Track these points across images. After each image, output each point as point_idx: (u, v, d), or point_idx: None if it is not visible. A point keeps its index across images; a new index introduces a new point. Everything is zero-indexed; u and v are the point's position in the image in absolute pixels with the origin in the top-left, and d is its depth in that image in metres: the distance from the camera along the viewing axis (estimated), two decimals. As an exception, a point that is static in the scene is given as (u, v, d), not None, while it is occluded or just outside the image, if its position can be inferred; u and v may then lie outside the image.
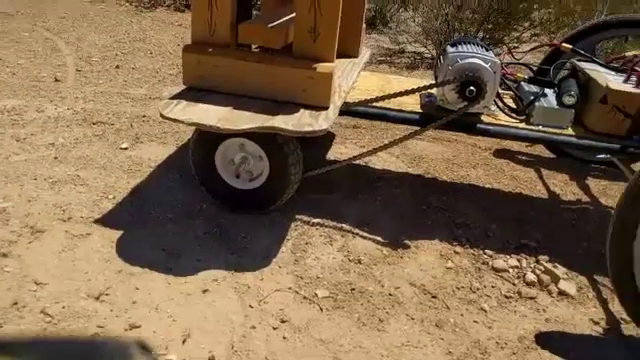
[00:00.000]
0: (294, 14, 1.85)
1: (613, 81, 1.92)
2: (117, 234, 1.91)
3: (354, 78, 2.29)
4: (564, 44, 2.23)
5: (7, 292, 1.60)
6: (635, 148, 1.87)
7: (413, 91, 1.97)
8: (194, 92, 1.90)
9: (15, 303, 1.56)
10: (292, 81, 1.83)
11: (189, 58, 1.88)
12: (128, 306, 1.61)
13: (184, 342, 1.50)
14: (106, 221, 1.97)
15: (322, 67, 1.82)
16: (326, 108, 1.87)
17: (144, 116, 2.87)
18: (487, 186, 2.53)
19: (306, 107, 1.86)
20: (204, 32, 1.87)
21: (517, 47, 4.39)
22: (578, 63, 2.15)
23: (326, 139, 2.80)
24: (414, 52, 4.91)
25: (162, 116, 1.71)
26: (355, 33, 2.52)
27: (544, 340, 1.65)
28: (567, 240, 2.16)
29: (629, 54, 2.09)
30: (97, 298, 1.62)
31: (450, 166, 2.69)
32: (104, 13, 5.18)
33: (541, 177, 2.67)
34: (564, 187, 2.59)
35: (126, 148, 2.52)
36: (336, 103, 1.94)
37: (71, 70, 3.54)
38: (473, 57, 1.90)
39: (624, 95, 1.85)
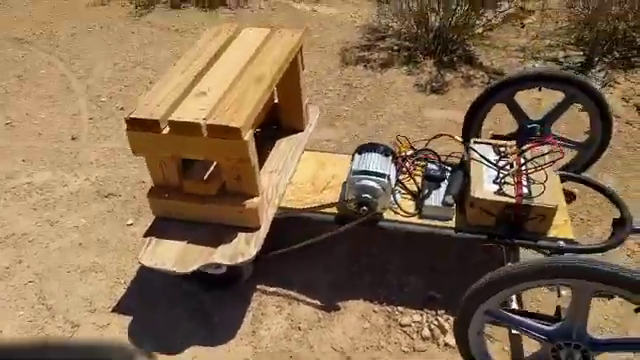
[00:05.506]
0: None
1: (481, 186, 2.36)
2: (128, 320, 2.69)
3: (294, 166, 2.82)
4: (456, 136, 2.61)
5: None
6: (499, 237, 2.37)
7: (329, 205, 2.51)
8: (162, 222, 2.54)
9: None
10: (229, 215, 2.43)
11: (152, 199, 2.50)
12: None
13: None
14: (120, 309, 2.75)
15: (249, 203, 2.39)
16: (259, 228, 2.47)
17: (143, 182, 3.51)
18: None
19: (243, 229, 2.46)
20: (160, 181, 2.45)
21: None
22: (467, 152, 2.54)
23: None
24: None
25: (140, 263, 2.38)
26: (297, 109, 2.97)
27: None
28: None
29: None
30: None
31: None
32: (108, 24, 5.61)
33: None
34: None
35: (131, 224, 3.21)
36: (269, 217, 2.52)
37: (85, 120, 4.18)
38: (367, 179, 2.38)
39: (486, 202, 2.31)
